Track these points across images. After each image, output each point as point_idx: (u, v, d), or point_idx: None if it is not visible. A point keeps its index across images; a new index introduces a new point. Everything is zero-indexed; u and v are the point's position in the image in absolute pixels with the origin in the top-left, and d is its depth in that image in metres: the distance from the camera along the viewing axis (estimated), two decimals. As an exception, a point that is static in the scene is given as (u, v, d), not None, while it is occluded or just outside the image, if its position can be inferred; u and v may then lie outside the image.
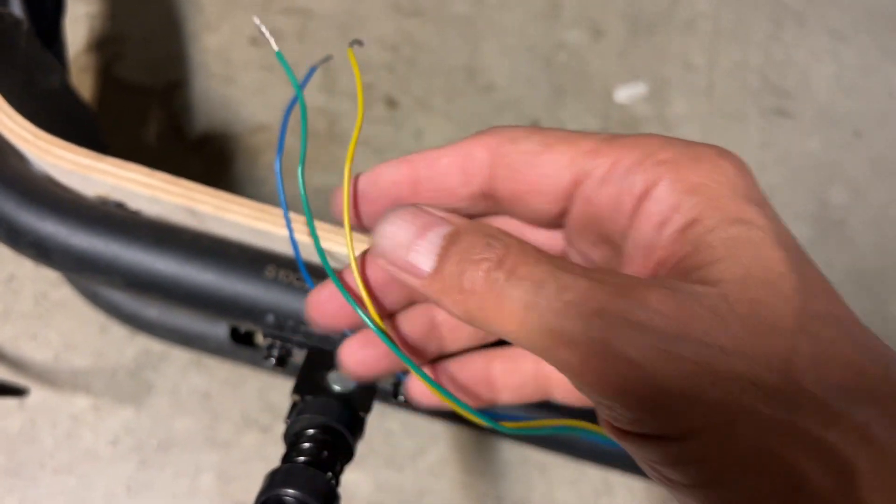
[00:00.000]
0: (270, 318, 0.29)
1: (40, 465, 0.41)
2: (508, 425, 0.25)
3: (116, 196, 0.31)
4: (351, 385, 0.28)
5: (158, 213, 0.31)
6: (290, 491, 0.23)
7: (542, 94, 0.54)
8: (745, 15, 0.60)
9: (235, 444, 0.42)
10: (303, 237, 0.28)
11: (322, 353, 0.29)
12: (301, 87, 0.24)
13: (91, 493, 0.40)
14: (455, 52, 0.55)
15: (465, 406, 0.23)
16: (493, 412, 0.25)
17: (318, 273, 0.29)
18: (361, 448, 0.38)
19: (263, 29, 0.25)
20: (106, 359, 0.43)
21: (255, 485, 0.40)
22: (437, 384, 0.22)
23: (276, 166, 0.29)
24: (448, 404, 0.22)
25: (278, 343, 0.30)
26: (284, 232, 0.29)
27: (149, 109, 0.49)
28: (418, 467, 0.43)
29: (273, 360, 0.30)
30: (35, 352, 0.43)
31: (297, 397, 0.27)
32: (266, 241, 0.30)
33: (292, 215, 0.28)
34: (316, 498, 0.23)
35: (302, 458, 0.25)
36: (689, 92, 0.56)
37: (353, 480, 0.42)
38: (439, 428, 0.44)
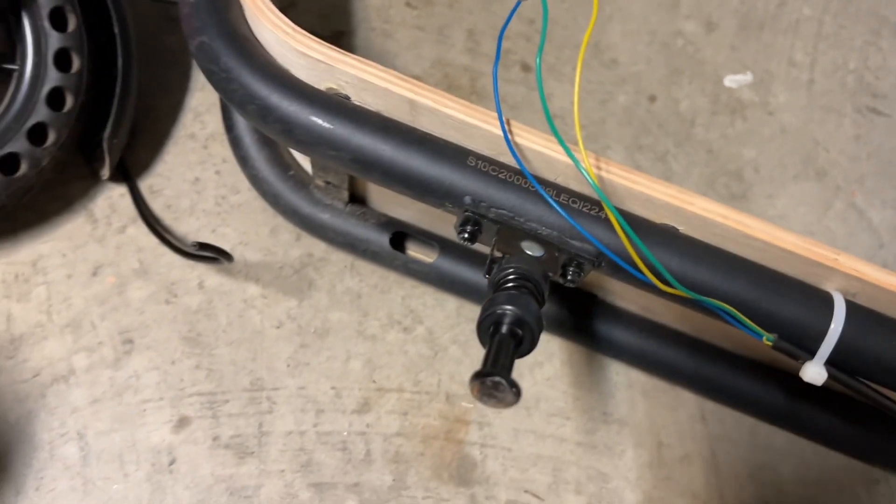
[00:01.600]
0: (468, 199, 0.35)
1: (215, 337, 0.47)
2: (696, 295, 0.31)
3: (344, 90, 0.37)
4: (540, 252, 0.34)
5: (380, 107, 0.37)
6: (510, 308, 0.29)
7: (659, 73, 0.60)
8: (847, 22, 0.65)
9: (381, 338, 0.48)
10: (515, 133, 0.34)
11: (511, 231, 0.35)
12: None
13: (256, 365, 0.47)
14: (585, 29, 0.61)
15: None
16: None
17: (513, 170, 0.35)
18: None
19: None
20: (274, 256, 0.50)
21: (396, 373, 0.47)
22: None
23: (495, 67, 0.35)
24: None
25: (472, 220, 0.36)
26: (489, 126, 0.35)
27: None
28: (536, 377, 0.49)
29: (465, 235, 0.36)
30: (215, 243, 0.50)
31: (499, 254, 0.33)
32: (468, 139, 0.36)
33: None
34: (532, 316, 0.29)
35: (512, 290, 0.31)
36: (791, 85, 0.62)
37: (480, 383, 0.48)
38: (556, 346, 0.50)
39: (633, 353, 0.48)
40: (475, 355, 0.49)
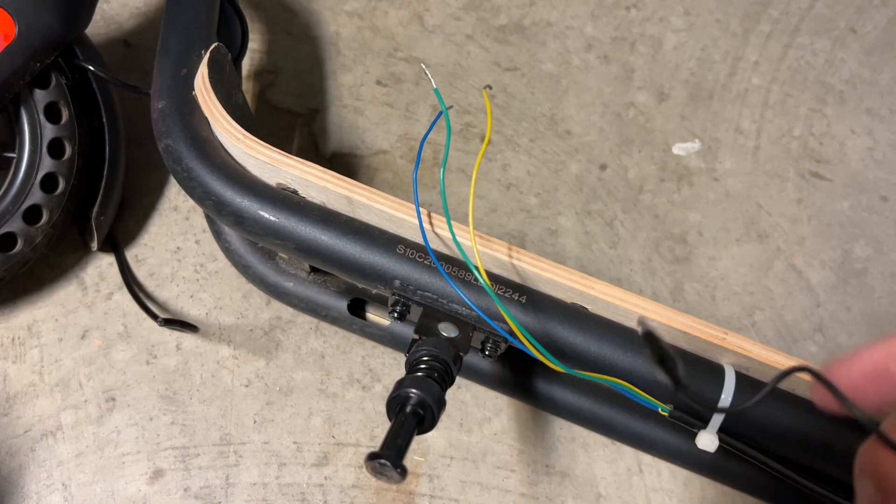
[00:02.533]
0: (397, 283, 0.40)
1: (189, 395, 0.52)
2: (580, 371, 0.35)
3: (292, 185, 0.42)
4: (454, 332, 0.38)
5: (322, 200, 0.42)
6: (413, 391, 0.33)
7: (611, 142, 0.65)
8: (793, 90, 0.69)
9: (341, 396, 0.53)
10: (428, 226, 0.39)
11: (434, 311, 0.39)
12: (444, 111, 0.35)
13: (225, 421, 0.51)
14: (541, 103, 0.66)
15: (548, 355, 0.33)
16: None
17: (441, 256, 0.40)
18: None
19: (428, 73, 0.36)
20: (246, 319, 0.55)
21: (354, 429, 0.51)
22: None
23: (415, 173, 0.40)
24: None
25: (401, 302, 0.40)
26: (412, 219, 0.40)
27: (294, 128, 0.62)
28: (484, 432, 0.53)
29: (395, 315, 0.40)
30: (192, 308, 0.55)
31: (416, 336, 0.37)
32: (399, 229, 0.41)
33: (422, 210, 0.39)
34: (432, 399, 0.33)
35: (420, 374, 0.35)
36: (737, 152, 0.66)
37: (431, 437, 0.52)
38: (504, 402, 0.54)
39: (571, 411, 0.52)
40: (428, 411, 0.53)
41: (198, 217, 0.57)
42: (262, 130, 0.61)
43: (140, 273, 0.55)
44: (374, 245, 0.41)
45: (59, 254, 0.55)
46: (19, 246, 0.49)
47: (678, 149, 0.65)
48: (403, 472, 0.30)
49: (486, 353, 0.40)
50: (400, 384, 0.34)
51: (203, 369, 0.53)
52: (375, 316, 0.54)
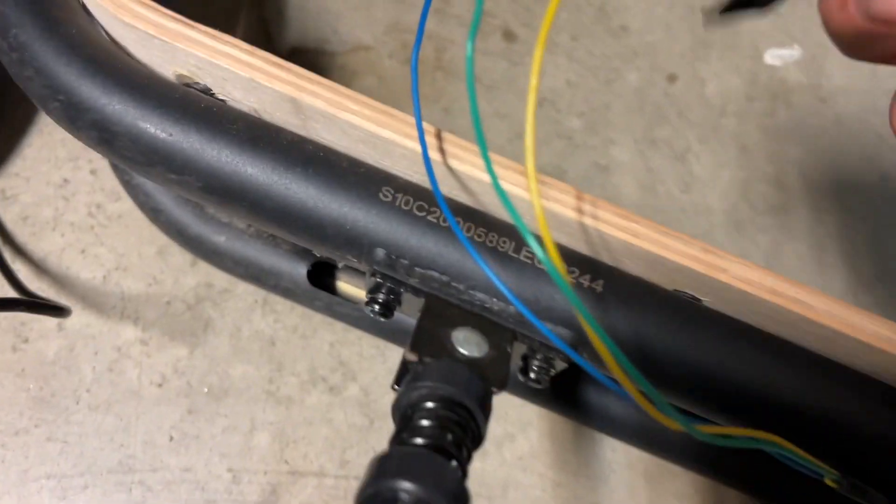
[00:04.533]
0: (380, 254, 0.23)
1: (75, 398, 0.35)
2: (703, 429, 0.19)
3: (202, 80, 0.25)
4: (481, 349, 0.21)
5: (252, 105, 0.24)
6: (407, 485, 0.17)
7: (682, 45, 0.47)
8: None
9: (298, 402, 0.36)
10: (436, 154, 0.22)
11: (445, 305, 0.22)
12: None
13: (128, 437, 0.35)
14: (586, -14, 0.47)
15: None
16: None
17: (458, 209, 0.23)
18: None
19: None
20: (161, 286, 0.38)
21: (316, 451, 0.34)
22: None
23: (413, 59, 0.22)
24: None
25: (386, 287, 0.23)
26: (407, 141, 0.22)
27: (238, 11, 0.43)
28: (504, 456, 0.37)
29: (376, 308, 0.23)
30: (82, 269, 0.38)
31: (413, 357, 0.20)
32: (384, 158, 0.24)
33: (425, 126, 0.22)
34: (442, 495, 0.17)
35: (420, 441, 0.18)
36: (850, 62, 0.48)
37: (428, 462, 0.36)
38: (533, 413, 0.38)
39: (633, 430, 0.36)
40: (425, 422, 0.37)
41: (95, 136, 0.39)
42: (193, 12, 0.42)
43: (8, 216, 0.38)
44: (341, 185, 0.23)
45: None
46: None
47: (772, 56, 0.47)
48: None
49: (532, 375, 0.23)
50: (380, 468, 0.17)
51: (97, 360, 0.36)
52: (349, 286, 0.37)
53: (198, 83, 0.25)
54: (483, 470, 0.37)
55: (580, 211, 0.22)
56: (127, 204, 0.39)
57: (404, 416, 0.19)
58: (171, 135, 0.23)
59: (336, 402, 0.37)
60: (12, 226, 0.38)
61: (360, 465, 0.36)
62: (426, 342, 0.21)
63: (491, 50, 0.45)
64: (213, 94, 0.25)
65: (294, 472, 0.35)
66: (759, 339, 0.23)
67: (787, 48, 0.48)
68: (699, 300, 0.24)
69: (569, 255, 0.23)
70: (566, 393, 0.35)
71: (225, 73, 0.23)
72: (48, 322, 0.36)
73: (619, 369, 0.18)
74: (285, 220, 0.24)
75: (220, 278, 0.38)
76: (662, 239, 0.22)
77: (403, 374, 0.21)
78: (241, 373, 0.37)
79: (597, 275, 0.23)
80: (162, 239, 0.38)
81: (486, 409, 0.20)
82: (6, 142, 0.39)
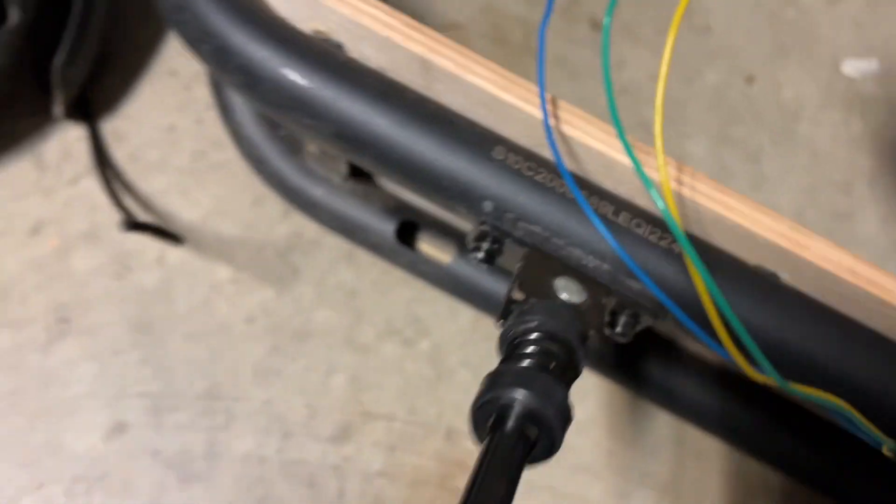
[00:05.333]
0: (489, 206, 0.25)
1: (171, 327, 0.38)
2: (794, 385, 0.20)
3: (338, 37, 0.27)
4: (580, 295, 0.23)
5: (382, 63, 0.27)
6: (520, 394, 0.19)
7: (762, 49, 0.48)
8: None
9: (374, 350, 0.39)
10: (551, 120, 0.24)
11: (545, 257, 0.25)
12: None
13: (216, 367, 0.38)
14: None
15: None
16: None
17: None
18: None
19: None
20: (255, 232, 0.40)
21: (388, 396, 0.37)
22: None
23: (541, 29, 0.24)
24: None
25: (491, 236, 0.26)
26: (527, 106, 0.24)
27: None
28: (562, 421, 0.39)
29: (481, 255, 0.26)
30: (183, 209, 0.40)
31: (520, 295, 0.23)
32: (501, 122, 0.26)
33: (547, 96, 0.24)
34: (550, 406, 0.19)
35: (528, 363, 0.20)
36: (926, 79, 0.49)
37: (490, 419, 0.38)
38: (591, 383, 0.40)
39: (687, 405, 0.38)
40: (489, 382, 0.39)
41: (203, 88, 0.42)
42: None
43: (118, 154, 0.41)
44: (458, 142, 0.25)
45: (11, 118, 0.40)
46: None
47: (849, 67, 0.49)
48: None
49: (618, 329, 0.25)
50: (496, 380, 0.20)
51: (192, 294, 0.39)
52: (432, 248, 0.39)
53: (332, 39, 0.27)
54: (541, 431, 0.39)
55: (680, 182, 0.24)
56: (227, 154, 0.41)
57: (511, 345, 0.21)
58: (310, 84, 0.25)
59: (408, 355, 0.39)
60: (122, 163, 0.41)
61: (427, 413, 0.38)
62: (530, 285, 0.23)
63: (577, 38, 0.47)
64: (344, 49, 0.27)
65: (366, 414, 0.38)
66: (834, 317, 0.25)
67: (865, 60, 0.49)
68: (776, 275, 0.26)
69: (654, 220, 0.25)
70: (629, 363, 0.37)
71: (364, 31, 0.25)
72: (150, 255, 0.39)
73: (720, 323, 0.20)
74: (405, 170, 0.26)
75: (310, 230, 0.40)
76: (754, 213, 0.24)
77: (508, 312, 0.23)
78: (324, 318, 0.39)
79: (688, 243, 0.25)
80: (258, 189, 0.41)
81: (583, 347, 0.22)
82: (121, 86, 0.42)
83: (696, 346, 0.38)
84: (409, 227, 0.38)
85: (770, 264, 0.26)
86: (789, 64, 0.48)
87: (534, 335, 0.21)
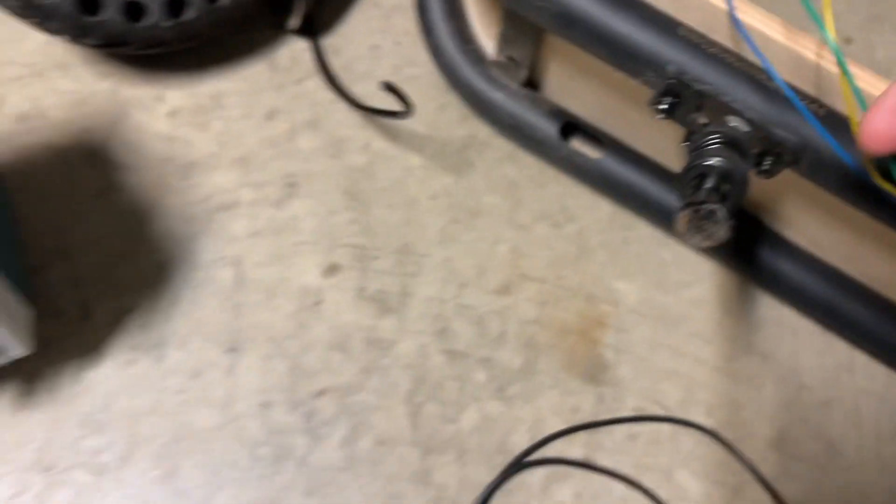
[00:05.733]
0: (672, 68, 0.34)
1: (374, 197, 0.48)
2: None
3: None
4: (747, 128, 0.32)
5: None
6: (716, 160, 0.28)
7: (860, 15, 0.57)
8: None
9: (530, 229, 0.48)
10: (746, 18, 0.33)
11: (715, 104, 0.34)
12: None
13: (408, 230, 0.47)
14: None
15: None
16: None
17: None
18: (633, 264, 0.44)
19: None
20: (439, 132, 0.50)
21: (540, 264, 0.46)
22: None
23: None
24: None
25: (674, 91, 0.35)
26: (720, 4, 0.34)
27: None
28: (682, 296, 0.48)
29: (665, 107, 0.35)
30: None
31: (703, 120, 0.32)
32: (681, 11, 0.35)
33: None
34: (738, 172, 0.28)
35: (717, 144, 0.29)
36: None
37: (623, 290, 0.47)
38: (708, 269, 0.48)
39: (790, 290, 0.46)
40: (622, 263, 0.48)
41: (399, 18, 0.53)
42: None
43: (334, 65, 0.51)
44: (652, 22, 0.35)
45: (250, 31, 0.51)
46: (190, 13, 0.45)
47: (934, 38, 0.57)
48: (733, 226, 0.25)
49: (763, 167, 0.34)
50: (698, 154, 0.29)
51: (390, 173, 0.49)
52: (584, 146, 0.48)
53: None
54: (665, 303, 0.47)
55: (818, 57, 0.33)
56: (419, 70, 0.51)
57: (701, 144, 0.30)
58: (545, -24, 0.35)
59: (557, 235, 0.48)
60: (338, 72, 0.51)
61: (571, 280, 0.47)
62: (711, 114, 0.32)
63: None
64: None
65: (523, 276, 0.47)
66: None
67: (948, 33, 0.57)
68: None
69: (798, 91, 0.34)
70: (741, 251, 0.46)
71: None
72: (358, 142, 0.49)
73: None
74: (607, 44, 0.35)
75: (482, 133, 0.50)
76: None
77: (690, 135, 0.32)
78: (491, 202, 0.49)
79: (820, 106, 0.34)
80: (443, 98, 0.51)
81: (750, 160, 0.31)
82: (337, 11, 0.53)
83: (796, 232, 0.46)
84: (568, 128, 0.48)
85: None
86: (884, 30, 0.57)
87: (720, 136, 0.30)
